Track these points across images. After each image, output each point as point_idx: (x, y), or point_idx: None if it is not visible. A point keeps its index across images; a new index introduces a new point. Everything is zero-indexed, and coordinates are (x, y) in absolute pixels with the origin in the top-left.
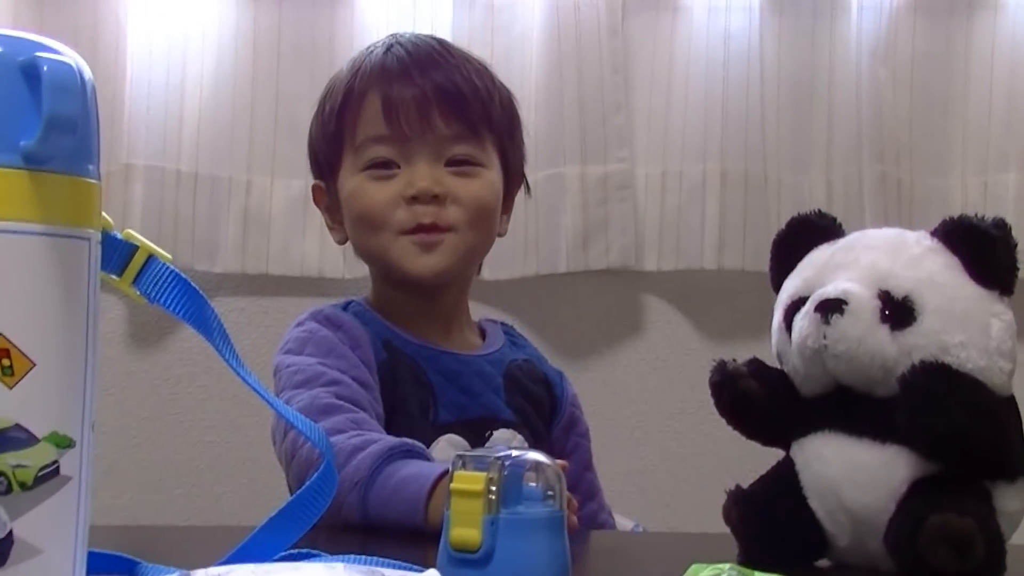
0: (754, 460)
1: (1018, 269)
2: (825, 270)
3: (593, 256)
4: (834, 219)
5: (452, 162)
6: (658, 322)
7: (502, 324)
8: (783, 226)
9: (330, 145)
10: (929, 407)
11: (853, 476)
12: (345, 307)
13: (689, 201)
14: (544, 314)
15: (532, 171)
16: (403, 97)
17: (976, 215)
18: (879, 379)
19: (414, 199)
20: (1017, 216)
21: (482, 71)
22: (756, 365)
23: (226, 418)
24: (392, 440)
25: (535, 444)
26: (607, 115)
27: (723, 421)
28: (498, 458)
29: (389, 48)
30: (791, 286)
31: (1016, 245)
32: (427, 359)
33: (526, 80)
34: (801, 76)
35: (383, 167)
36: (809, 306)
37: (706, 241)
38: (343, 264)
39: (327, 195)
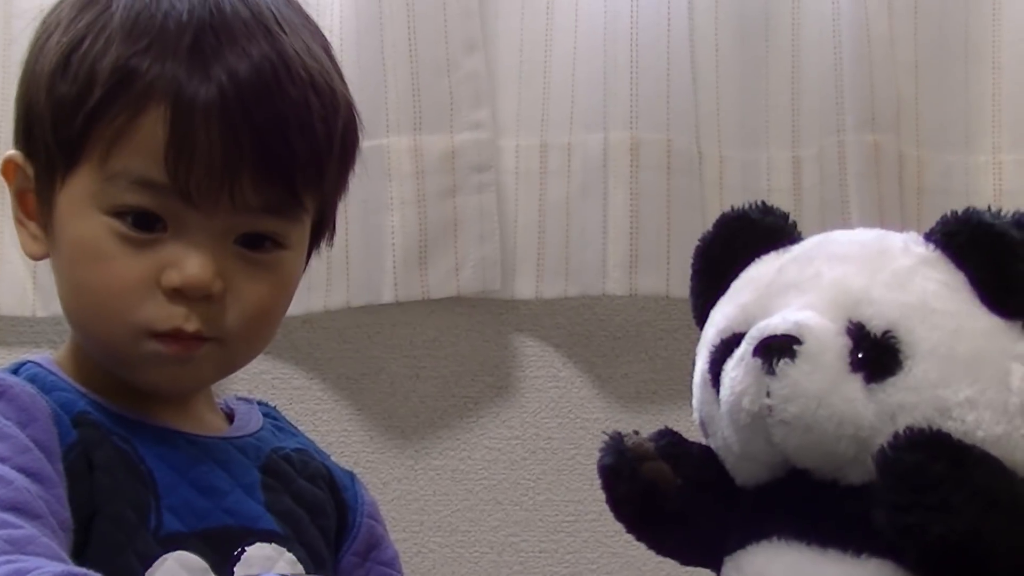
0: None
1: None
2: (771, 293)
3: (435, 278)
4: (785, 215)
5: (246, 240)
6: (538, 379)
7: (260, 404)
8: (709, 227)
9: (63, 137)
10: (922, 499)
11: None
12: (16, 370)
13: (583, 190)
14: (358, 368)
15: None
16: (204, 136)
17: (991, 209)
18: (849, 457)
19: (177, 292)
20: None
21: (322, 76)
22: (670, 440)
23: None
24: (55, 570)
25: (316, 571)
26: (455, 57)
27: None
28: None
29: (200, 33)
30: (721, 317)
31: None
32: (144, 439)
33: (325, 3)
34: (751, 2)
35: (141, 224)
36: (746, 347)
37: (610, 253)
38: (32, 294)
39: (29, 180)
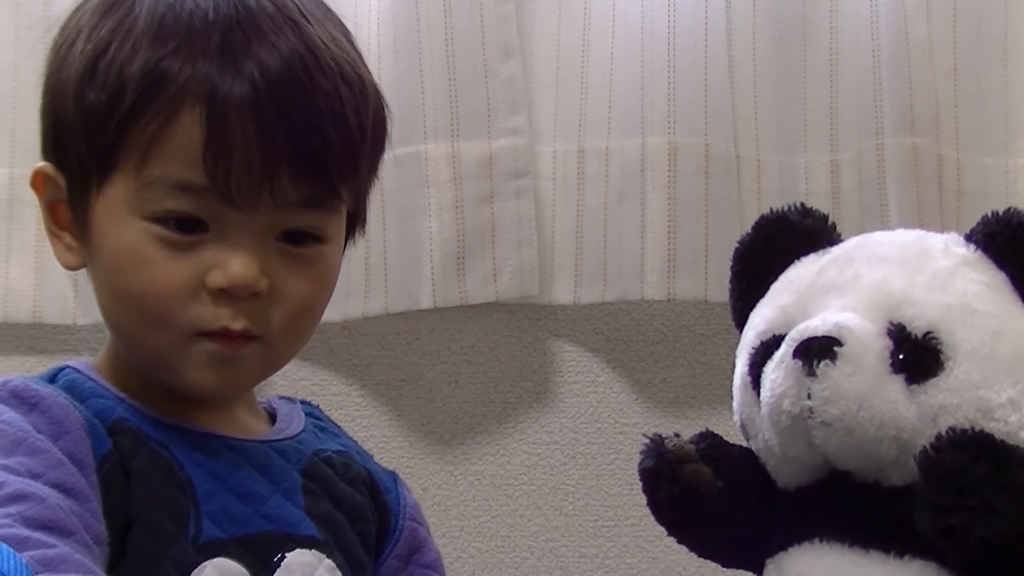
0: None
1: None
2: (810, 294)
3: (473, 284)
4: (824, 217)
5: (287, 236)
6: (577, 384)
7: (303, 403)
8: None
9: (96, 145)
10: (965, 501)
11: None
12: (54, 377)
13: (621, 195)
14: (397, 374)
15: None
16: (241, 135)
17: None
18: (891, 459)
19: (223, 293)
20: None
21: (349, 65)
22: (710, 442)
23: None
24: None
25: (355, 575)
26: (492, 64)
27: None
28: None
29: (228, 30)
30: (761, 319)
31: None
32: (182, 445)
33: (363, 11)
34: (788, 3)
35: (182, 227)
36: (786, 349)
37: (648, 258)
38: (74, 302)
39: (61, 191)
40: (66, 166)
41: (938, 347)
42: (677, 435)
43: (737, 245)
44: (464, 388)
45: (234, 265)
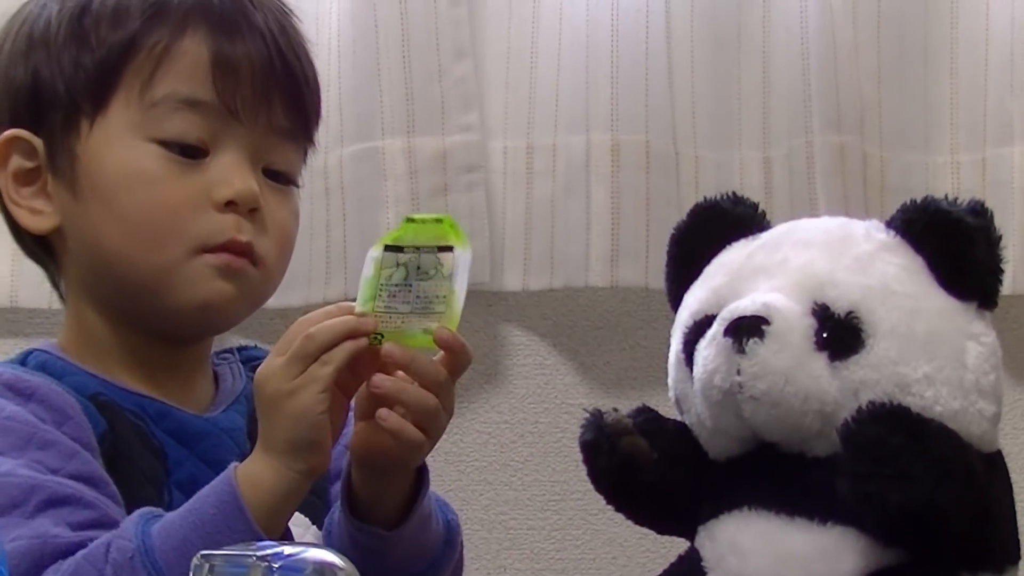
0: (666, 560)
1: (1003, 272)
2: (741, 277)
3: None
4: (755, 205)
5: (268, 172)
6: (525, 367)
7: (241, 349)
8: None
9: (87, 75)
10: (882, 469)
11: (782, 572)
12: (23, 360)
13: (567, 189)
14: None
15: (335, 146)
16: (246, 57)
17: (947, 198)
18: (814, 431)
19: (229, 205)
20: None
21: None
22: (647, 416)
23: None
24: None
25: (317, 520)
26: (445, 64)
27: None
28: (262, 558)
29: None
30: (694, 300)
31: (1000, 238)
32: (151, 414)
33: (324, 12)
34: (723, 9)
35: (185, 153)
36: (717, 328)
37: (593, 247)
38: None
39: (34, 153)
40: (45, 119)
41: (859, 326)
42: (616, 410)
43: (673, 231)
44: None
45: (238, 180)
